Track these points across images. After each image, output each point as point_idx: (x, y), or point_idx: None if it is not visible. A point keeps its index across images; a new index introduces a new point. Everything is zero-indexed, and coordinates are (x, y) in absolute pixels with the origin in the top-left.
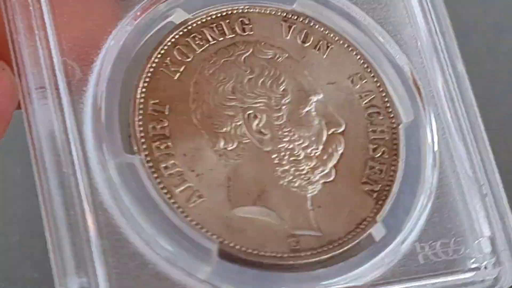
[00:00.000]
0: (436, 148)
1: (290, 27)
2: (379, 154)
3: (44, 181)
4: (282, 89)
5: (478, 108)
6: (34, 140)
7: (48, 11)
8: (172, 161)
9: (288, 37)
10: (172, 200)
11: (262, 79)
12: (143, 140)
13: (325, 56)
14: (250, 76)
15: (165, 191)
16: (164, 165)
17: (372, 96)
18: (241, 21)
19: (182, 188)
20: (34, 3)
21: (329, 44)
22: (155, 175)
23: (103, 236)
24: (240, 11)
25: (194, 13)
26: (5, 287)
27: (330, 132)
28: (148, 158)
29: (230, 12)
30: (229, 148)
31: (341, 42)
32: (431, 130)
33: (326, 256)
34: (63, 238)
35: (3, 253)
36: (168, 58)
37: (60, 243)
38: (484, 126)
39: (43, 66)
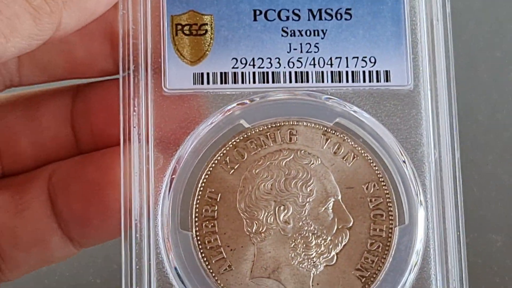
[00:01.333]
0: (420, 249)
1: (327, 139)
2: (374, 248)
3: (127, 238)
4: (309, 189)
5: None
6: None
7: (145, 113)
8: (215, 237)
9: (324, 148)
10: (209, 267)
11: (295, 181)
12: (196, 219)
13: (350, 165)
14: (287, 177)
15: (205, 259)
16: (208, 239)
17: (380, 201)
18: (290, 131)
19: (218, 258)
20: (136, 107)
21: (355, 156)
22: (200, 247)
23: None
24: (291, 123)
25: (253, 123)
26: None
27: (339, 226)
28: (197, 233)
29: (283, 123)
30: (259, 232)
31: (365, 155)
32: (418, 236)
33: None
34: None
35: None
36: (228, 157)
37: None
38: None
39: (136, 155)
